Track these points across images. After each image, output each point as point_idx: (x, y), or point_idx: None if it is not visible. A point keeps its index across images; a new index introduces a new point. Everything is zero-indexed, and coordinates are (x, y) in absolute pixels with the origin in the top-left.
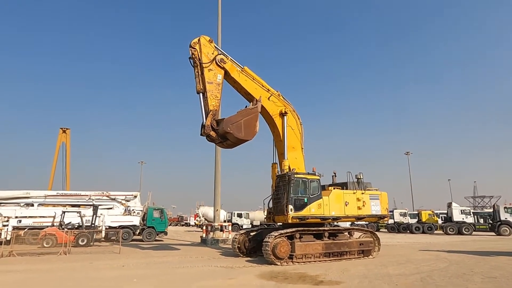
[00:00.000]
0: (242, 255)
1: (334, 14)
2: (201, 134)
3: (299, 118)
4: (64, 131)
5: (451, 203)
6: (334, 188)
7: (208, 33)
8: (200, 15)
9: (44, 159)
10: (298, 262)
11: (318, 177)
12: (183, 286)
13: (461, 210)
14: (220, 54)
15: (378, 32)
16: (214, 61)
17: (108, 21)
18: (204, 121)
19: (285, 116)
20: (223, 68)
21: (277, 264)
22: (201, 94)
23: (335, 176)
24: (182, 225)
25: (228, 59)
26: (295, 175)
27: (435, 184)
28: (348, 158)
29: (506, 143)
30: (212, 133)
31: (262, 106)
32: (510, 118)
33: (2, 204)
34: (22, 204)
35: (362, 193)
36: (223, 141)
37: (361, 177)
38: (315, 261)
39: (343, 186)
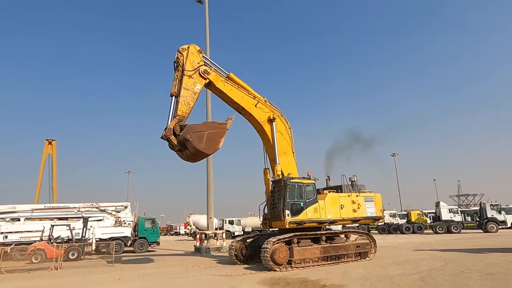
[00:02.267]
0: (239, 263)
1: (326, 16)
2: (161, 137)
3: (287, 123)
4: (50, 143)
5: (439, 202)
6: (329, 192)
7: (198, 37)
8: (191, 19)
9: (30, 172)
10: (297, 267)
11: (313, 181)
12: None
13: (449, 209)
14: (204, 65)
15: (361, 35)
16: (197, 71)
17: (93, 27)
18: (168, 123)
19: (273, 122)
20: (206, 79)
21: (276, 270)
22: (174, 97)
23: (329, 179)
24: (172, 235)
25: (211, 69)
26: (291, 180)
27: (420, 184)
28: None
29: (487, 140)
30: (173, 138)
31: (250, 114)
32: (491, 116)
33: None
34: (7, 219)
35: (357, 196)
36: (182, 150)
37: (355, 179)
38: (313, 266)
39: (338, 189)
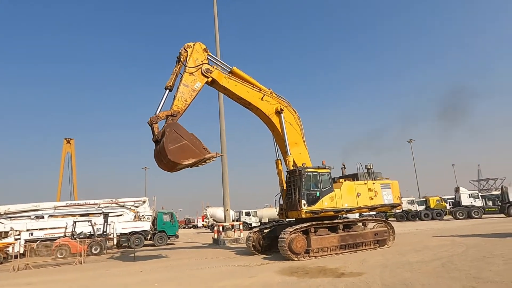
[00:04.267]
0: (257, 253)
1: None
2: (147, 122)
3: (296, 112)
4: (68, 141)
5: (458, 187)
6: (345, 180)
7: (206, 25)
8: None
9: (50, 170)
10: (315, 256)
11: (329, 170)
12: (206, 287)
13: (469, 194)
14: (207, 64)
15: (378, 15)
16: (199, 69)
17: (104, 21)
18: (158, 111)
19: (281, 114)
20: (209, 77)
21: (294, 260)
22: (167, 90)
23: (344, 168)
24: (190, 228)
25: (214, 67)
26: (306, 170)
27: (438, 170)
28: (345, 148)
29: (508, 122)
30: (156, 126)
31: (257, 108)
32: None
33: (12, 218)
34: (32, 217)
35: (373, 183)
36: (157, 144)
37: (371, 167)
38: (331, 254)
39: (354, 177)
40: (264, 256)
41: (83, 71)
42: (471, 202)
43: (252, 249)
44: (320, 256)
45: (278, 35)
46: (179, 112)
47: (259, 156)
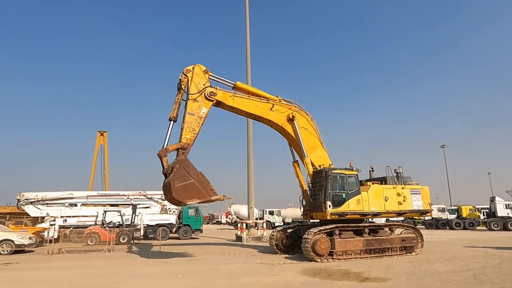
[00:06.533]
0: (280, 252)
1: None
2: (157, 154)
3: (308, 114)
4: (101, 134)
5: (494, 197)
6: (372, 183)
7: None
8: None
9: (84, 160)
10: (338, 259)
11: (356, 172)
12: (229, 282)
13: (505, 205)
14: (210, 87)
15: (408, 20)
16: (202, 94)
17: (139, 22)
18: (165, 145)
19: (294, 120)
20: (213, 100)
21: (317, 261)
22: (172, 122)
23: (373, 171)
24: (214, 223)
25: (217, 88)
26: (332, 171)
27: (472, 178)
28: (377, 152)
29: None
30: (165, 159)
31: (268, 120)
32: None
33: (49, 205)
34: (66, 205)
35: (402, 188)
36: (166, 177)
37: (401, 171)
38: (356, 258)
39: (382, 181)
40: (287, 255)
41: (123, 69)
42: (508, 213)
43: (275, 248)
44: (344, 259)
45: (309, 37)
46: (188, 144)
47: (285, 155)
